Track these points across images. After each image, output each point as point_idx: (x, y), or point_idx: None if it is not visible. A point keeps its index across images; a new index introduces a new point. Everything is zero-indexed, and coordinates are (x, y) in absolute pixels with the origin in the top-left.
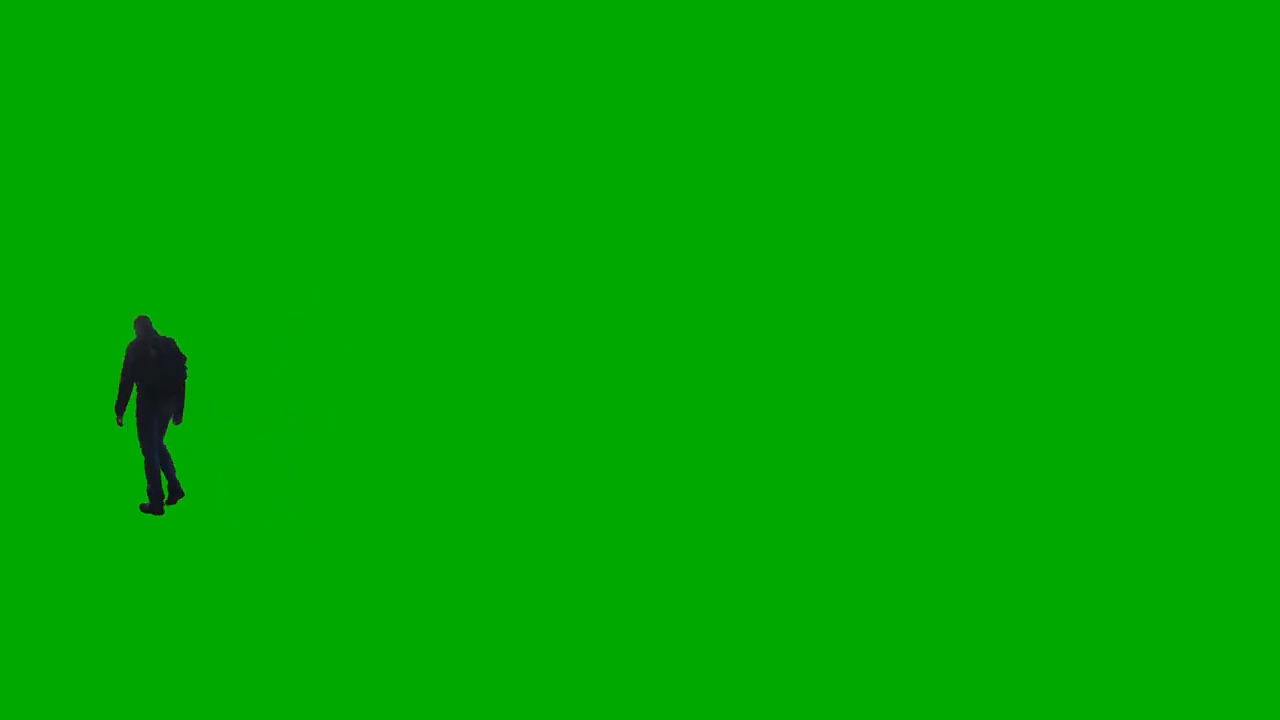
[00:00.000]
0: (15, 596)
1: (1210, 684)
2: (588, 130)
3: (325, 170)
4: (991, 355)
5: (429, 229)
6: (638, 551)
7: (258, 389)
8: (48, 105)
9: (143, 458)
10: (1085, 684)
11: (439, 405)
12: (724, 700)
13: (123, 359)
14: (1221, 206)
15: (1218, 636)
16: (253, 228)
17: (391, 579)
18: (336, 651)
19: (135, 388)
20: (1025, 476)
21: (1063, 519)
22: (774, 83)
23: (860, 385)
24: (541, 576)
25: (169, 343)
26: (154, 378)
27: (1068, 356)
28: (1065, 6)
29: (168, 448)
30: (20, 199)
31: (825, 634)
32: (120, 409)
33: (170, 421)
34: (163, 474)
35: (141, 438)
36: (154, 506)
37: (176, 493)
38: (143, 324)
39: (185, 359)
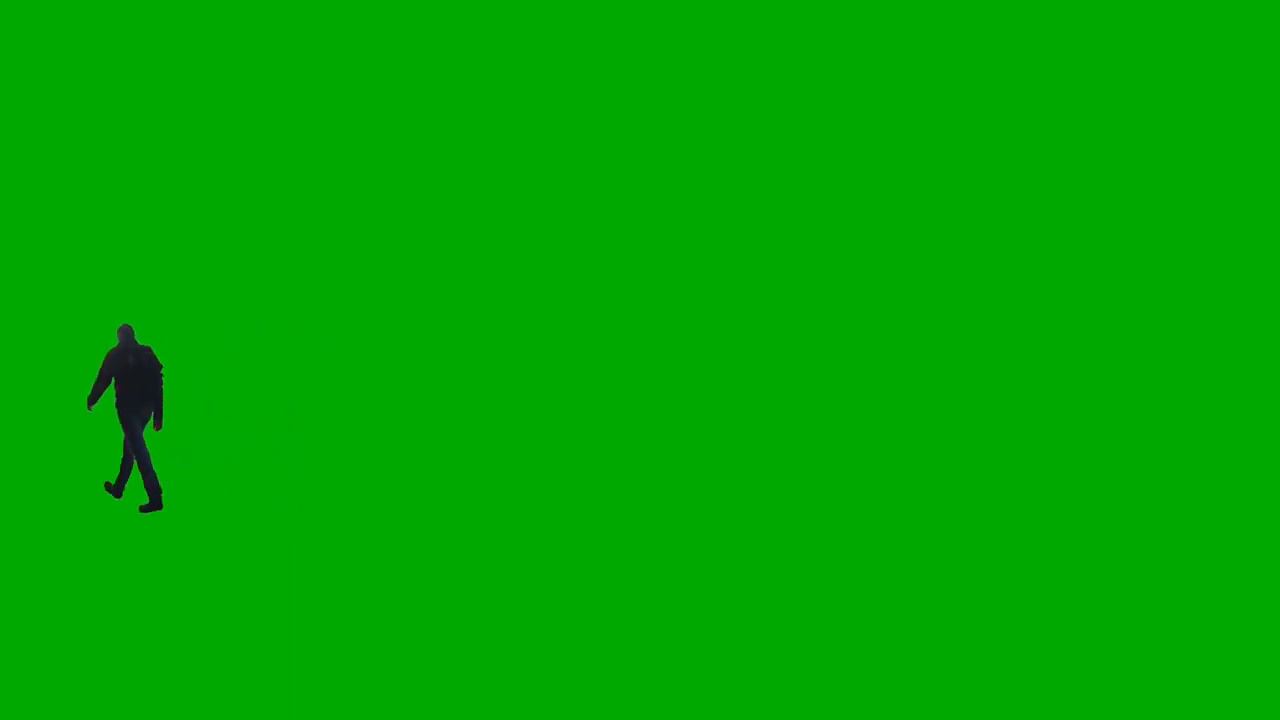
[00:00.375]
0: (15, 596)
1: (1209, 682)
2: (587, 131)
3: (325, 170)
4: (991, 355)
5: (429, 229)
6: (637, 551)
7: (258, 389)
8: (47, 106)
9: (136, 460)
10: (1084, 682)
11: (439, 405)
12: (724, 699)
13: (102, 363)
14: (1220, 207)
15: (1217, 635)
16: (253, 228)
17: (391, 579)
18: (336, 651)
19: (115, 394)
20: (1024, 476)
21: (1061, 518)
22: (773, 84)
23: (859, 385)
24: (541, 576)
25: (146, 351)
26: (130, 384)
27: (1066, 356)
28: (1065, 6)
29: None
30: (19, 200)
31: (825, 633)
32: (91, 399)
33: (152, 426)
34: (135, 468)
35: (129, 440)
36: (153, 504)
37: (119, 490)
38: (125, 332)
39: (161, 367)
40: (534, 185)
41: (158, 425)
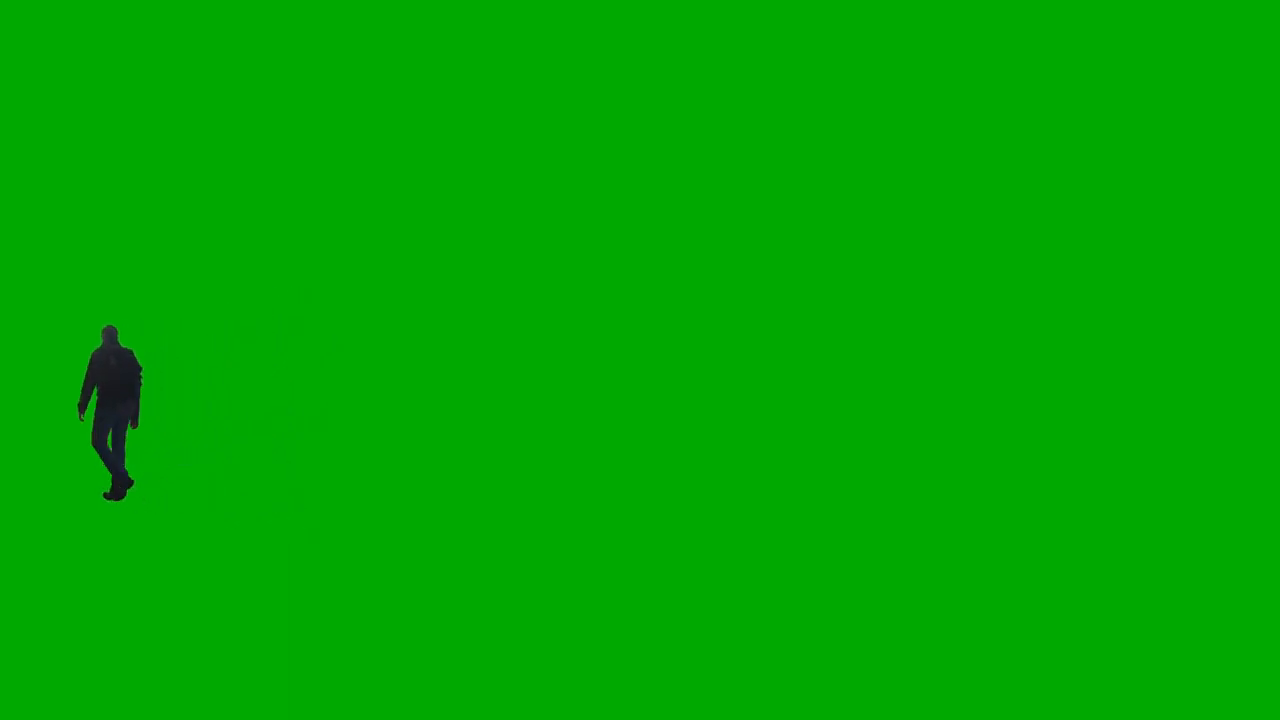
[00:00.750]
0: (14, 596)
1: (1208, 681)
2: (587, 131)
3: (324, 171)
4: (991, 355)
5: (428, 229)
6: (636, 551)
7: (258, 388)
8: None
9: (96, 451)
10: (1083, 681)
11: (438, 405)
12: (724, 699)
13: (87, 364)
14: (1219, 207)
15: (1216, 635)
16: (253, 228)
17: (391, 579)
18: (336, 651)
19: (96, 391)
20: (1023, 475)
21: (1059, 517)
22: (772, 84)
23: (859, 384)
24: (540, 575)
25: (128, 353)
26: (111, 383)
27: (1065, 356)
28: (1065, 6)
29: (123, 446)
30: (18, 200)
31: (824, 633)
32: (81, 406)
33: (129, 424)
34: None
35: (93, 436)
36: (115, 493)
37: (126, 482)
38: (108, 334)
39: (141, 369)
40: (534, 185)
41: (134, 423)
